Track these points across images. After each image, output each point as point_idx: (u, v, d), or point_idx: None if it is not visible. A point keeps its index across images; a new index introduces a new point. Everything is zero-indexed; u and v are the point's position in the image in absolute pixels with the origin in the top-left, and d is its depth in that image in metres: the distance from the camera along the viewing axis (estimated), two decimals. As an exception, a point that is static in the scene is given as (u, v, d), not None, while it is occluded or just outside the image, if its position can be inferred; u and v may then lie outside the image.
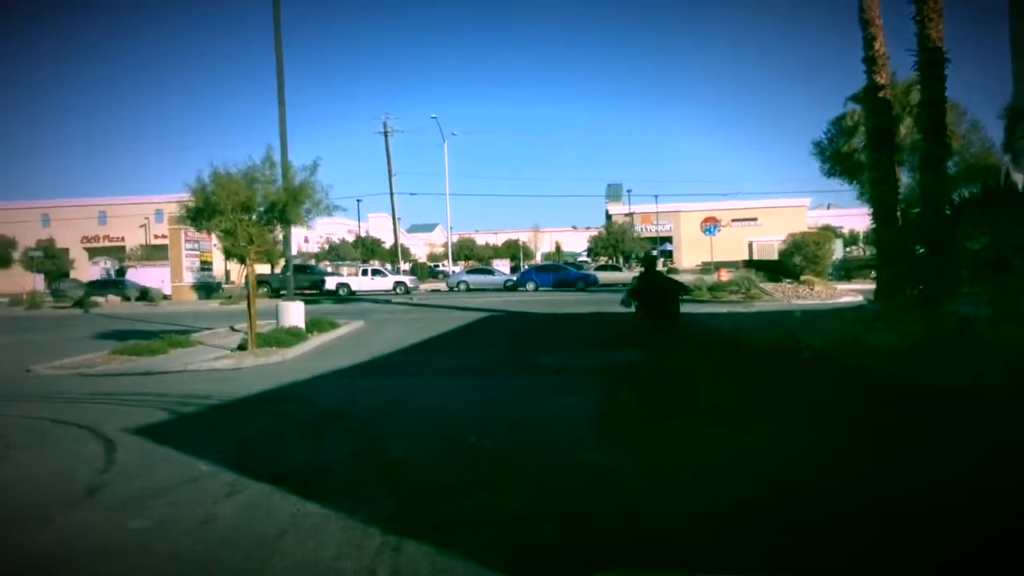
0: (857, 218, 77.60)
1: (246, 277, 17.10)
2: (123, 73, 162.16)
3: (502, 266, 61.67)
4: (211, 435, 8.33)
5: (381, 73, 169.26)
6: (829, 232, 33.70)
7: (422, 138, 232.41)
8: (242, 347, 16.52)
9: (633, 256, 72.05)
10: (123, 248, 70.61)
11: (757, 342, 15.90)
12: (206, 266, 40.41)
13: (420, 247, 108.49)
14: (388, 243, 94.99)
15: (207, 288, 38.14)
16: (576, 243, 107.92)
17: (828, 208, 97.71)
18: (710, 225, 32.72)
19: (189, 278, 35.90)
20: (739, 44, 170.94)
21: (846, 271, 34.64)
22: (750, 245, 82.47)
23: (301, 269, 51.58)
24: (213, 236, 22.35)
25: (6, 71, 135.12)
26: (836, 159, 34.14)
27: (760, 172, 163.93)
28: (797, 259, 31.87)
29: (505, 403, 9.84)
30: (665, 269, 68.08)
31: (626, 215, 78.36)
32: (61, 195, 70.50)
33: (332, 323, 20.16)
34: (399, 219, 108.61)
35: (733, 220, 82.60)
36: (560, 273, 46.11)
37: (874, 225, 20.75)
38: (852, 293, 27.22)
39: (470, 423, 8.35)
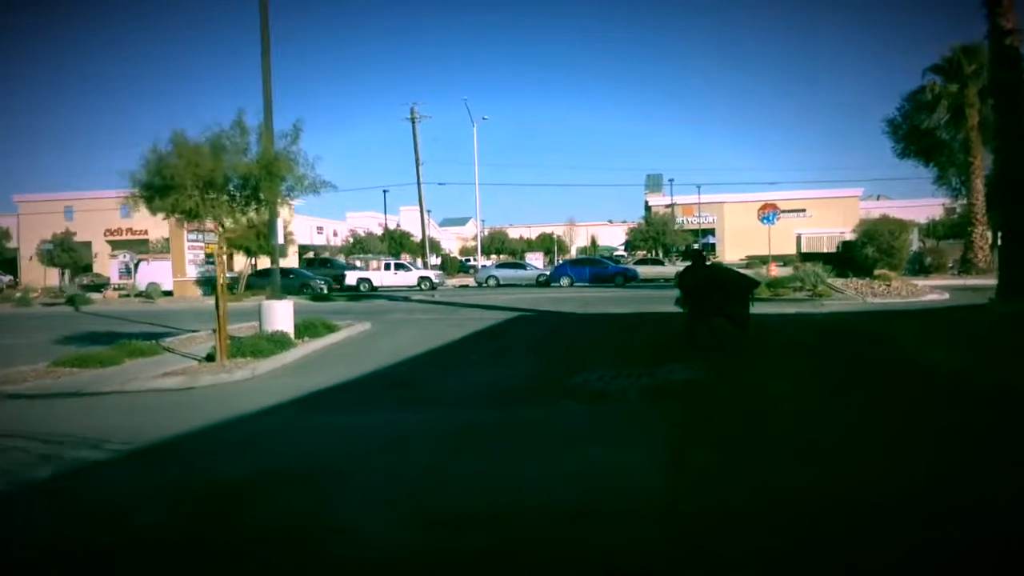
0: (914, 209, 73.02)
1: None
2: (148, 63, 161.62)
3: (535, 260, 58.29)
4: None
5: (407, 64, 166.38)
6: (904, 221, 29.68)
7: (452, 129, 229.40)
8: (211, 357, 13.49)
9: (674, 249, 68.27)
10: (146, 241, 68.60)
11: (866, 355, 12.47)
12: (211, 259, 37.51)
13: (452, 241, 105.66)
14: (418, 236, 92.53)
15: (212, 283, 35.26)
16: (613, 237, 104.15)
17: (878, 199, 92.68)
18: (768, 212, 29.07)
19: (192, 272, 33.14)
20: (788, 22, 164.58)
21: (921, 265, 30.73)
22: (798, 238, 77.95)
23: (322, 263, 49.09)
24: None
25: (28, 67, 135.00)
26: (912, 137, 30.34)
27: (809, 160, 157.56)
28: (869, 250, 28.07)
29: (528, 472, 6.38)
30: (709, 263, 64.38)
31: (667, 207, 74.50)
32: (85, 187, 68.38)
33: (329, 326, 17.05)
34: (429, 211, 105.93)
35: (781, 211, 78.39)
36: (596, 267, 42.81)
37: (986, 212, 17.04)
38: (936, 291, 23.44)
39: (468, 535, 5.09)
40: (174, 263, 34.65)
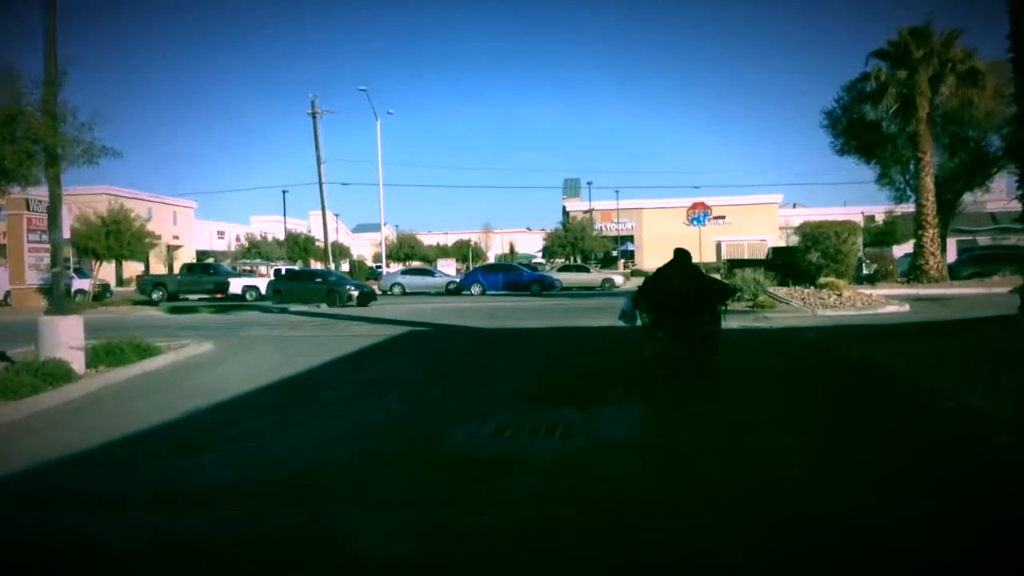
0: (832, 219, 72.10)
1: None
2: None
3: (447, 267, 54.11)
4: None
5: (315, 59, 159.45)
6: (853, 223, 27.01)
7: (358, 126, 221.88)
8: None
9: (593, 256, 65.38)
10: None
11: (863, 390, 9.09)
12: (57, 263, 32.25)
13: (366, 247, 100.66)
14: (342, 243, 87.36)
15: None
16: (531, 244, 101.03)
17: (794, 207, 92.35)
18: (699, 213, 26.19)
19: (34, 278, 27.94)
20: (708, 23, 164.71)
21: (863, 273, 28.12)
22: (718, 245, 76.78)
23: (203, 269, 43.76)
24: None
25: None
26: (852, 131, 27.80)
27: (729, 166, 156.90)
28: (813, 256, 25.17)
29: None
30: (628, 271, 61.63)
31: (585, 212, 71.64)
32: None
33: (146, 349, 12.72)
34: (337, 215, 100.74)
35: (712, 212, 76.72)
36: (511, 274, 39.46)
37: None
38: (893, 301, 20.58)
39: None
40: (12, 268, 29.25)
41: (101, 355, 11.75)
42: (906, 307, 19.49)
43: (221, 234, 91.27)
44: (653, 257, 72.23)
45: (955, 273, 28.39)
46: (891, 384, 9.40)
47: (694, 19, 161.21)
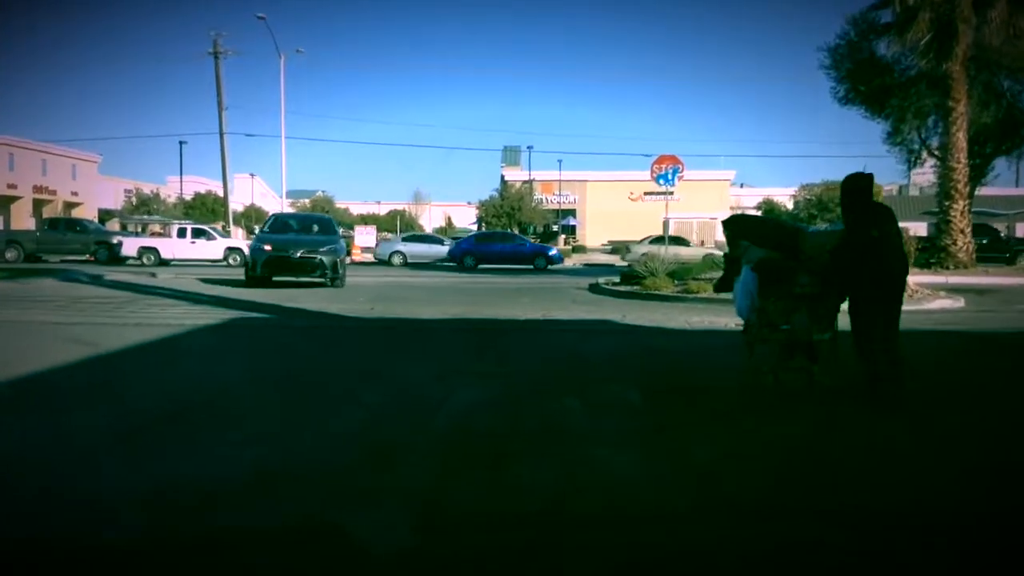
0: (784, 198, 68.04)
1: None
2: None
3: (365, 234, 47.57)
4: None
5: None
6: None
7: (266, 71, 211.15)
8: None
9: (531, 230, 59.64)
10: None
11: None
12: None
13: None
14: (260, 207, 79.49)
15: None
16: (470, 219, 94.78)
17: (742, 187, 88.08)
18: (665, 168, 20.41)
19: None
20: None
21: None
22: (666, 223, 71.52)
23: (69, 225, 36.42)
24: None
25: None
26: (859, 75, 22.42)
27: (682, 135, 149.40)
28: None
29: None
30: (570, 247, 56.00)
31: (524, 182, 65.70)
32: None
33: None
34: (253, 175, 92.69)
35: (645, 193, 71.57)
36: (509, 245, 34.38)
37: None
38: (941, 294, 15.26)
39: None
40: None
41: None
42: (960, 301, 14.16)
43: (129, 192, 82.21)
44: (597, 232, 66.90)
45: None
46: None
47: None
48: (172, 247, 31.88)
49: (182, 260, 31.51)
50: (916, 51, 19.79)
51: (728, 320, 11.31)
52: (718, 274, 16.64)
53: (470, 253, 32.66)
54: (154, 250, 31.45)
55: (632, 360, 8.14)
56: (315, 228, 19.06)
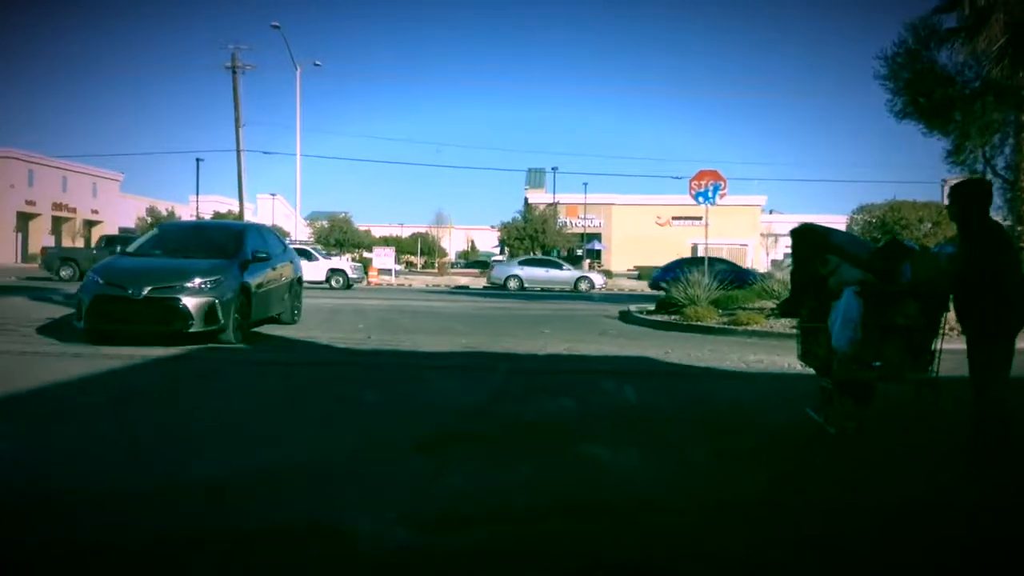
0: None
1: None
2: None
3: (384, 255, 45.67)
4: None
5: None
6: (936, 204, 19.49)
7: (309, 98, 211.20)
8: None
9: (555, 253, 57.76)
10: None
11: None
12: None
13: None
14: (281, 227, 77.95)
15: None
16: (492, 243, 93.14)
17: (771, 213, 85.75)
18: (705, 186, 18.43)
19: None
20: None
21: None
22: (694, 248, 69.69)
23: (126, 244, 35.08)
24: None
25: None
26: (919, 85, 20.51)
27: (714, 158, 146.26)
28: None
29: None
30: (601, 273, 53.84)
31: (548, 205, 63.92)
32: None
33: None
34: (274, 195, 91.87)
35: (673, 218, 69.69)
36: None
37: None
38: None
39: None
40: None
41: None
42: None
43: (151, 211, 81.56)
44: (623, 257, 64.99)
45: None
46: None
47: None
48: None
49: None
50: (988, 57, 17.78)
51: (790, 360, 9.42)
52: (768, 304, 14.88)
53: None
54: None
55: (693, 421, 6.24)
56: (215, 245, 11.57)
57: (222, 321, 9.98)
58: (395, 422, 6.01)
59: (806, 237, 6.35)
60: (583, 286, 33.09)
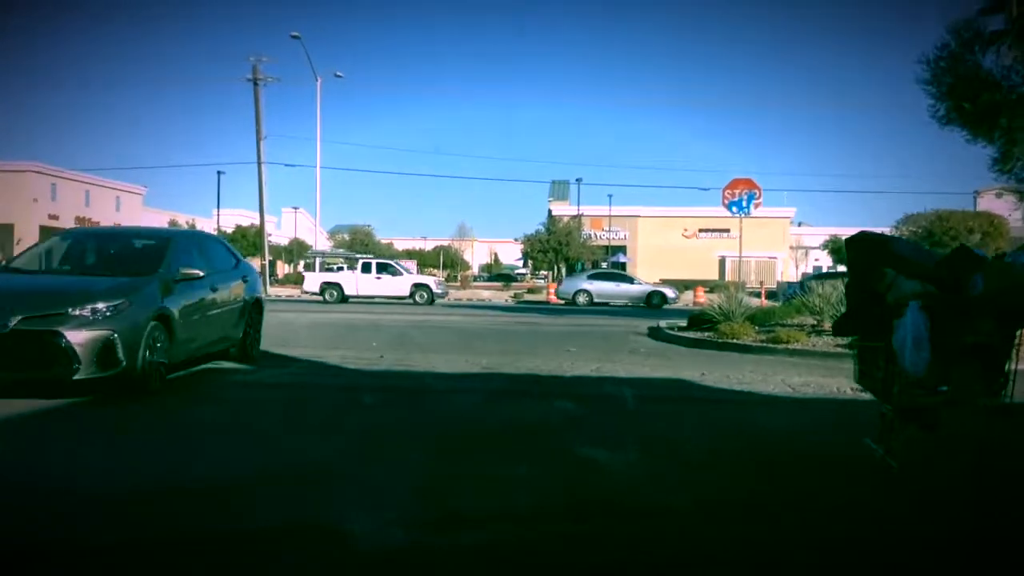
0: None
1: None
2: None
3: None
4: None
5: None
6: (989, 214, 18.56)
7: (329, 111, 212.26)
8: None
9: (580, 266, 56.98)
10: None
11: None
12: None
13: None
14: (304, 240, 78.17)
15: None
16: (515, 255, 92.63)
17: (799, 226, 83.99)
18: (739, 195, 17.63)
19: None
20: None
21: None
22: (722, 261, 68.62)
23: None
24: None
25: None
26: (963, 90, 19.65)
27: (743, 169, 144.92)
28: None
29: None
30: (671, 286, 52.75)
31: (573, 217, 63.18)
32: None
33: None
34: (296, 209, 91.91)
35: (700, 230, 68.65)
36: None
37: None
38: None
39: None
40: None
41: None
42: None
43: (173, 225, 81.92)
44: (649, 270, 63.91)
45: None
46: None
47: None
48: (356, 282, 30.66)
49: (366, 296, 30.44)
50: (1040, 58, 16.92)
51: (840, 383, 8.63)
52: (808, 320, 14.05)
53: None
54: (337, 286, 30.63)
55: (743, 464, 5.44)
56: (129, 260, 8.69)
57: (123, 363, 7.03)
58: (399, 471, 5.28)
59: (863, 247, 5.61)
60: (655, 300, 32.24)
